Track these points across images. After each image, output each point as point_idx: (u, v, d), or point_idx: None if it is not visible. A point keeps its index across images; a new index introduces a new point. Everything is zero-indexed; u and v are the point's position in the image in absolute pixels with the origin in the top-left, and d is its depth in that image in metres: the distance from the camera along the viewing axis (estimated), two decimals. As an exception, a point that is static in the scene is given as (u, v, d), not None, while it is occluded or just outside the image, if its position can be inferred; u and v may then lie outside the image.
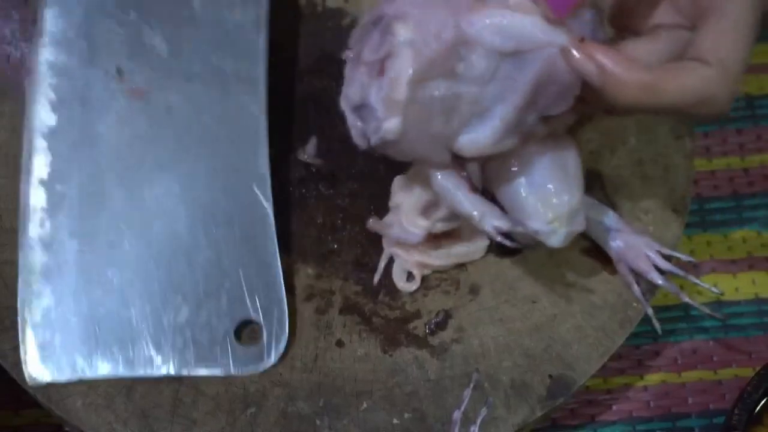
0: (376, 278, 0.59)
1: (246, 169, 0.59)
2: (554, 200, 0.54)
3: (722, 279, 0.66)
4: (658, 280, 0.58)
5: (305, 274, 0.60)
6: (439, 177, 0.54)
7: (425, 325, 0.59)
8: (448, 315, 0.59)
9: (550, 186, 0.54)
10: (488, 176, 0.56)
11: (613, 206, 0.61)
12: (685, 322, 0.65)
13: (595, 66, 0.48)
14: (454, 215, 0.56)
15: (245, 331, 0.57)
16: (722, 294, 0.59)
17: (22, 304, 0.56)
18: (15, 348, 0.56)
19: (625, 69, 0.48)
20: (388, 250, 0.60)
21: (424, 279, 0.60)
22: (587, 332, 0.58)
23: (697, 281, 0.58)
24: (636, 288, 0.58)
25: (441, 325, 0.58)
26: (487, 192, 0.57)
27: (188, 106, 0.59)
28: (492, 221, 0.53)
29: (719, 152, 0.70)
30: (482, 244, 0.60)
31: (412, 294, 0.59)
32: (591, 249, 0.61)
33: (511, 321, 0.59)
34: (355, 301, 0.59)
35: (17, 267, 0.57)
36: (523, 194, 0.54)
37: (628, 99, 0.48)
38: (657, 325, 0.58)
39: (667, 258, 0.58)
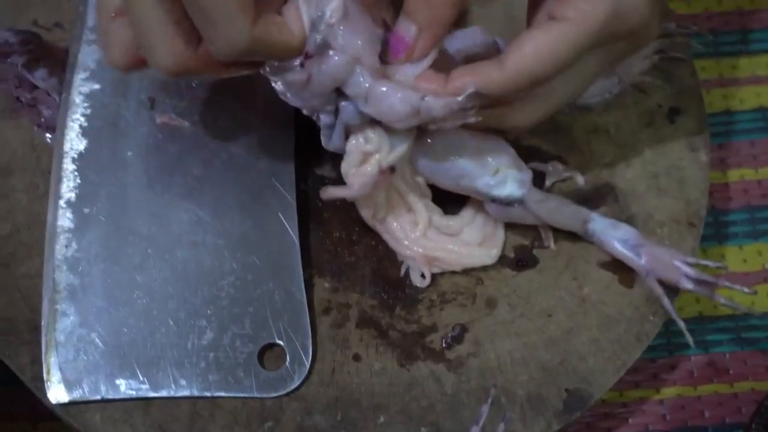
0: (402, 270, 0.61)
1: (273, 197, 0.60)
2: (489, 158, 0.57)
3: (737, 292, 0.66)
4: (690, 285, 0.58)
5: (322, 287, 0.60)
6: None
7: (442, 338, 0.59)
8: (464, 329, 0.59)
9: (482, 149, 0.57)
10: (427, 174, 0.58)
11: (628, 219, 0.62)
12: (700, 336, 0.65)
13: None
14: (393, 139, 0.56)
15: (268, 354, 0.57)
16: (755, 293, 0.59)
17: (46, 323, 0.56)
18: (33, 362, 0.56)
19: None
20: (402, 256, 0.61)
21: (441, 293, 0.60)
22: (603, 346, 0.58)
23: (728, 284, 0.58)
24: (666, 301, 0.58)
25: (457, 339, 0.59)
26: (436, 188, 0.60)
27: (217, 135, 0.60)
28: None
29: (733, 164, 0.70)
30: (494, 251, 0.61)
31: (428, 308, 0.59)
32: (607, 262, 0.61)
33: (527, 335, 0.59)
34: (372, 314, 0.59)
35: (36, 281, 0.57)
36: (462, 165, 0.57)
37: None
38: (690, 338, 0.58)
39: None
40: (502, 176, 0.57)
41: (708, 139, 0.64)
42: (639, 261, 0.59)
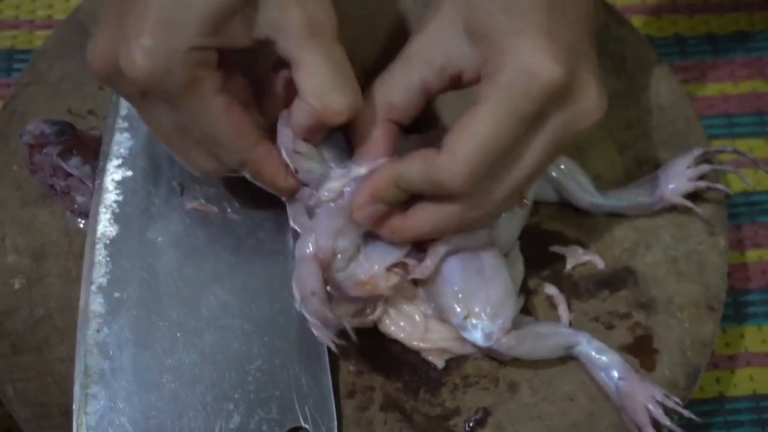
0: None
1: None
2: (468, 299, 0.58)
3: (757, 372, 0.67)
4: None
5: (347, 370, 0.61)
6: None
7: (465, 422, 0.59)
8: (487, 412, 0.60)
9: (465, 287, 0.58)
10: (425, 295, 0.60)
11: (648, 302, 0.63)
12: (721, 416, 0.65)
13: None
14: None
15: (294, 437, 0.58)
16: None
17: (77, 408, 0.57)
18: (64, 446, 0.57)
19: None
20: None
21: (464, 376, 0.61)
22: (626, 429, 0.59)
23: None
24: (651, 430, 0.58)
25: (480, 423, 0.59)
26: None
27: (245, 220, 0.62)
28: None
29: (751, 245, 0.71)
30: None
31: (452, 391, 0.60)
32: (628, 345, 0.61)
33: (550, 418, 0.59)
34: (396, 397, 0.60)
35: (68, 365, 0.59)
36: (443, 297, 0.58)
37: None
38: None
39: (668, 411, 0.58)
40: (470, 323, 0.58)
41: (726, 224, 0.65)
42: (613, 392, 0.59)
